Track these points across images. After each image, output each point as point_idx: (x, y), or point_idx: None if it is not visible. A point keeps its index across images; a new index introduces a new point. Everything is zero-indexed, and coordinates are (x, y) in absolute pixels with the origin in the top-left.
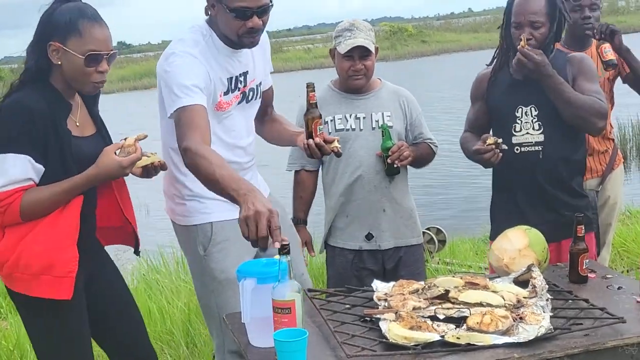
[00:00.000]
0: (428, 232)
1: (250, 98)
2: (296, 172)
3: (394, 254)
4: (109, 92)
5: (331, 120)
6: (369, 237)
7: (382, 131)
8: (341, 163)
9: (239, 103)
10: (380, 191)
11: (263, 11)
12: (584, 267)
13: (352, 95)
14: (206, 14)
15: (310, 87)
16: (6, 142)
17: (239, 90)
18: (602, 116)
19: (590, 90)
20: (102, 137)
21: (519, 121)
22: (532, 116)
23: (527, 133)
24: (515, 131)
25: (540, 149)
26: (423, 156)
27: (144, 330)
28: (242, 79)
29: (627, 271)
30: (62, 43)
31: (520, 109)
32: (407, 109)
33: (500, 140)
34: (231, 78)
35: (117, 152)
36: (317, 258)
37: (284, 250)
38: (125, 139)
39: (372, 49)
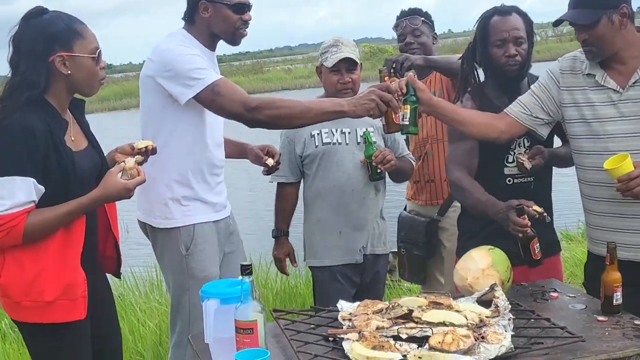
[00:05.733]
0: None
1: None
2: (279, 184)
3: (374, 262)
4: (88, 112)
5: (317, 134)
6: (364, 249)
7: (365, 138)
8: (327, 177)
9: None
10: (369, 202)
11: (250, 8)
12: (536, 251)
13: None
14: (184, 19)
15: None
16: (10, 164)
17: None
18: None
19: None
20: (94, 148)
21: (511, 152)
22: (524, 147)
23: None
24: (507, 162)
25: (532, 179)
26: (404, 169)
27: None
28: None
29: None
30: (69, 50)
31: (514, 141)
32: None
33: (545, 214)
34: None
35: (120, 174)
36: (292, 279)
37: (247, 270)
38: (124, 162)
39: (358, 62)
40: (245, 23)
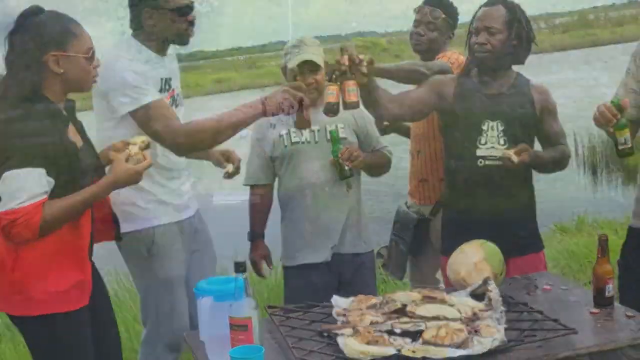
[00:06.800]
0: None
1: (178, 103)
2: (252, 186)
3: (353, 261)
4: (78, 110)
5: (286, 134)
6: (335, 248)
7: (331, 137)
8: (298, 177)
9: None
10: (340, 200)
11: (192, 7)
12: (349, 93)
13: None
14: (130, 27)
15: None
16: (20, 157)
17: (168, 92)
18: (568, 160)
19: (558, 133)
20: (90, 147)
21: (484, 134)
22: (497, 131)
23: (493, 147)
24: (480, 143)
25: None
26: (379, 162)
27: (119, 349)
28: (170, 82)
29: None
30: (63, 50)
31: (487, 123)
32: (360, 119)
33: (367, 61)
34: (162, 79)
35: (127, 160)
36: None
37: (241, 267)
38: (128, 149)
39: (321, 63)
40: (191, 23)
